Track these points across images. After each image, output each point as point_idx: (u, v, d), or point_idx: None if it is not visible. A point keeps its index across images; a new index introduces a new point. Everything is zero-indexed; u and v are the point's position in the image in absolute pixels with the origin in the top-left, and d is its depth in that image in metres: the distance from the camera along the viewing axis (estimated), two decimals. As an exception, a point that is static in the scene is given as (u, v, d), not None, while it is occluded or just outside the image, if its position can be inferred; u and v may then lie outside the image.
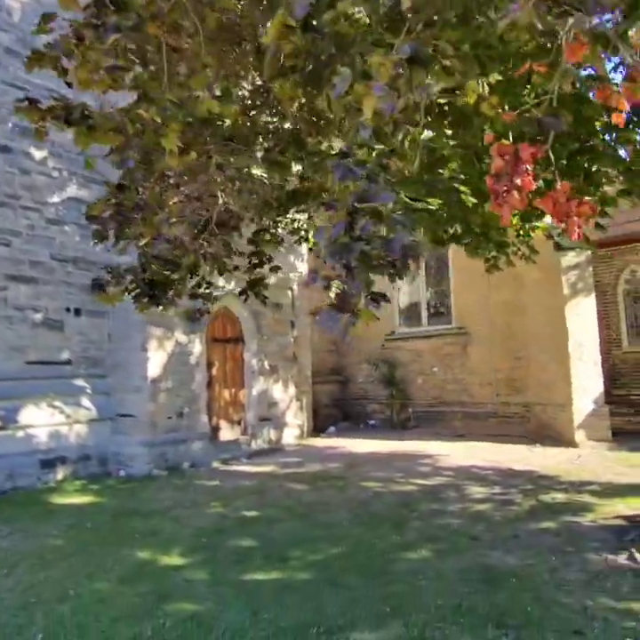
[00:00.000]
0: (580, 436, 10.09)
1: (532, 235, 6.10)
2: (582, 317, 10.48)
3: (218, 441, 9.77)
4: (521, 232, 6.12)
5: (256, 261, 5.28)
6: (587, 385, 10.33)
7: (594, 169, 4.38)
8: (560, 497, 6.46)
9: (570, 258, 10.58)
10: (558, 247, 10.69)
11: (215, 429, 9.81)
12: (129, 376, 8.89)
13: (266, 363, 10.88)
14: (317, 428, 12.88)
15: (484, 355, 12.46)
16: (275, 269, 5.04)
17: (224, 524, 5.78)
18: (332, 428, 12.87)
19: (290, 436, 11.27)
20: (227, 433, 10.03)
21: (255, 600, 3.93)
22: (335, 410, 14.29)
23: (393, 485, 7.31)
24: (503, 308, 12.10)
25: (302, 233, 7.52)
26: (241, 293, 5.48)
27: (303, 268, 12.52)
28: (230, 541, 5.23)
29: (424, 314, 13.82)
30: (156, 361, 8.86)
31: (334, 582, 4.19)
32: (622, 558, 4.37)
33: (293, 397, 11.57)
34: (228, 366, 10.26)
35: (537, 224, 5.79)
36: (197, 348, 9.47)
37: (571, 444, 10.09)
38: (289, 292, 11.87)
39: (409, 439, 11.39)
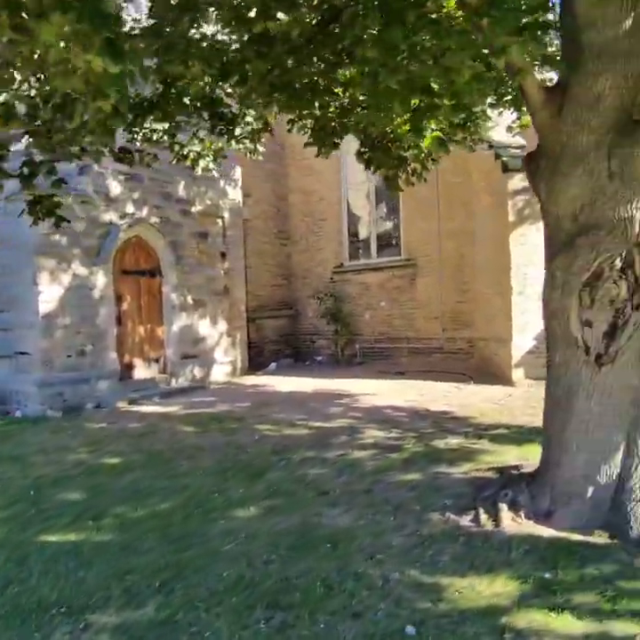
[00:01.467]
0: (517, 373, 9.51)
1: (423, 146, 5.18)
2: (527, 247, 9.61)
3: (131, 380, 9.23)
4: (411, 144, 5.21)
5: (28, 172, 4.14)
6: (528, 320, 9.61)
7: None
8: (455, 442, 5.91)
9: (517, 180, 9.57)
10: (505, 168, 9.69)
11: (128, 367, 9.24)
12: (23, 312, 8.21)
13: (189, 297, 10.17)
14: (258, 365, 12.36)
15: (431, 287, 11.71)
16: (57, 184, 4.13)
17: (70, 473, 5.28)
18: (272, 365, 12.34)
19: (220, 374, 10.75)
20: (142, 371, 9.47)
21: (23, 569, 3.42)
22: (283, 345, 13.73)
23: (287, 429, 6.78)
24: (452, 238, 11.22)
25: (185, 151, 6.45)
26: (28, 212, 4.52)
27: (237, 194, 11.53)
28: (59, 494, 4.72)
29: (373, 245, 12.95)
30: (49, 295, 8.14)
31: (128, 547, 3.67)
32: (466, 519, 3.81)
33: (224, 333, 10.94)
34: (144, 300, 9.55)
35: (425, 134, 4.86)
36: (101, 280, 8.73)
37: (508, 382, 9.53)
38: (219, 221, 10.96)
39: (346, 377, 10.87)
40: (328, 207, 13.41)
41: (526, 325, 9.63)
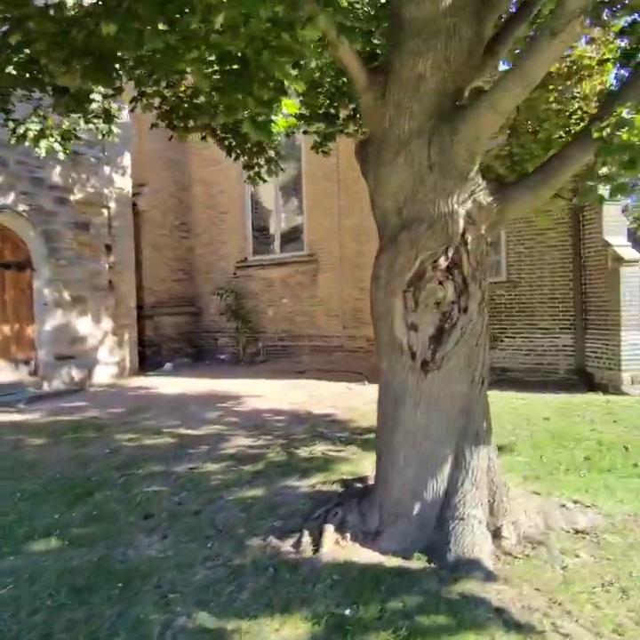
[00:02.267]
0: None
1: (277, 133, 4.75)
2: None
3: (-8, 384, 8.33)
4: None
5: None
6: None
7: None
8: (320, 449, 5.59)
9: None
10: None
11: (-11, 370, 8.34)
12: None
13: (66, 293, 9.33)
14: (153, 365, 11.66)
15: (332, 284, 11.43)
16: None
17: None
18: (168, 365, 11.67)
19: (104, 376, 9.98)
20: (6, 374, 8.58)
21: None
22: (185, 344, 13.06)
23: (149, 438, 6.22)
24: (352, 234, 10.97)
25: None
26: None
27: (126, 183, 10.74)
28: None
29: (277, 239, 12.51)
30: None
31: None
32: (288, 544, 3.44)
33: (109, 332, 10.17)
34: (10, 296, 8.65)
35: (273, 117, 4.44)
36: (-47, 274, 7.79)
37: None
38: (104, 211, 10.15)
39: (241, 377, 10.40)
40: (231, 200, 12.84)
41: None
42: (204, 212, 13.21)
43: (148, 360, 11.69)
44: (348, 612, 2.72)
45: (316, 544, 3.35)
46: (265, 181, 5.58)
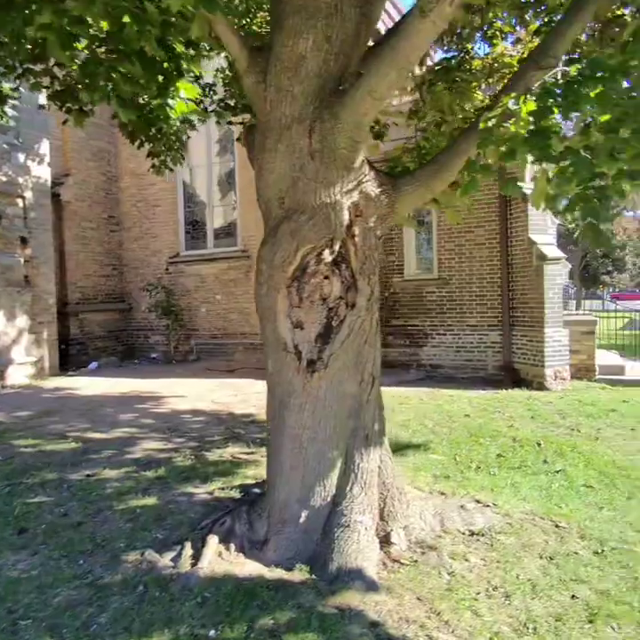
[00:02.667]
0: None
1: (174, 118, 4.48)
2: (352, 240, 9.40)
3: None
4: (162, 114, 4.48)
5: None
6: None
7: None
8: (231, 452, 5.36)
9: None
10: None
11: None
12: None
13: (-26, 288, 8.70)
14: (78, 365, 11.09)
15: (266, 281, 11.15)
16: None
17: None
18: (93, 365, 11.13)
19: (19, 376, 9.38)
20: None
21: None
22: (114, 342, 12.51)
23: (52, 443, 5.81)
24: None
25: None
26: None
27: (44, 172, 10.13)
28: None
29: (210, 234, 12.15)
30: None
31: None
32: (168, 558, 3.20)
33: (25, 330, 9.57)
34: None
35: (169, 101, 4.17)
36: None
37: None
38: (18, 201, 9.53)
39: (169, 376, 10.02)
40: (162, 192, 12.38)
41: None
42: (134, 205, 12.68)
43: (71, 359, 11.12)
44: (212, 633, 2.51)
45: (197, 557, 3.13)
46: (171, 170, 5.27)
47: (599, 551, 3.37)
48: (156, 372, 10.71)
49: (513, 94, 2.89)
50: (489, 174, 2.72)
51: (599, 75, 2.61)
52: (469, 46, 6.41)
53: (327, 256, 3.03)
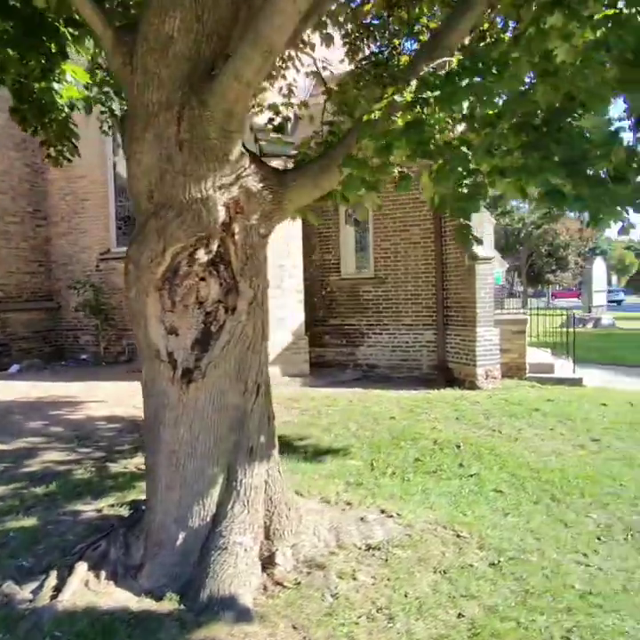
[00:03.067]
0: (274, 370, 9.02)
1: (62, 104, 4.13)
2: (284, 237, 9.17)
3: None
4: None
5: None
6: (286, 315, 9.22)
7: None
8: (137, 463, 5.03)
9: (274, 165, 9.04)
10: (261, 153, 9.10)
11: None
12: None
13: None
14: (-3, 367, 10.43)
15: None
16: None
17: None
18: (14, 367, 10.49)
19: None
20: None
21: None
22: (40, 343, 11.86)
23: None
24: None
25: None
26: None
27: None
28: None
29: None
30: None
31: None
32: (29, 589, 2.89)
33: None
34: None
35: (54, 85, 3.81)
36: None
37: (264, 380, 9.03)
38: None
39: (95, 379, 9.53)
40: (92, 185, 11.80)
41: (284, 320, 9.20)
42: (62, 199, 12.04)
43: (-10, 362, 10.45)
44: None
45: (60, 588, 2.83)
46: (70, 161, 4.89)
47: (495, 562, 3.27)
48: (82, 374, 10.18)
49: (399, 86, 2.72)
50: (365, 170, 2.53)
51: (480, 67, 2.47)
52: (397, 42, 6.30)
53: (202, 256, 2.79)
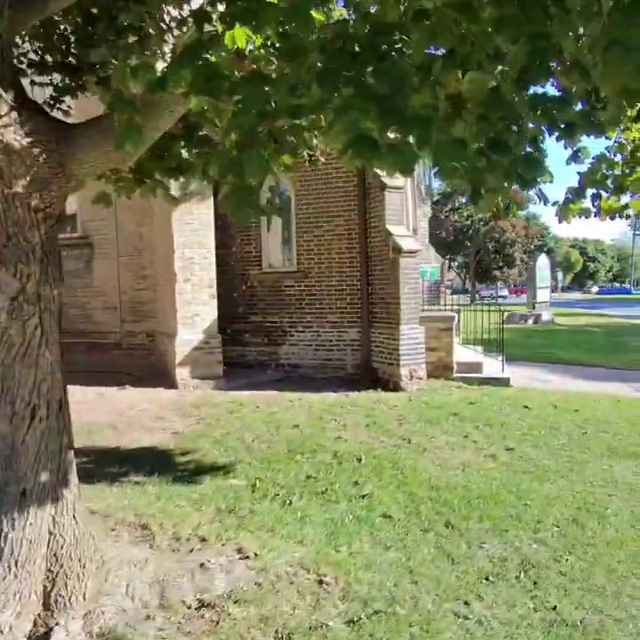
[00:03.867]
0: (183, 373, 8.25)
1: None
2: (195, 227, 8.39)
3: None
4: None
5: None
6: (197, 312, 8.44)
7: None
8: None
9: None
10: (168, 133, 8.29)
11: None
12: None
13: None
14: None
15: (109, 272, 9.88)
16: None
17: None
18: None
19: None
20: None
21: None
22: None
23: None
24: (130, 213, 9.48)
25: None
26: None
27: None
28: None
29: (47, 217, 10.61)
30: None
31: None
32: None
33: None
34: None
35: None
36: None
37: (172, 383, 8.23)
38: None
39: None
40: (-10, 167, 10.64)
41: (195, 317, 8.42)
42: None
43: None
44: None
45: None
46: None
47: (355, 619, 2.65)
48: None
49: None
50: (134, 111, 1.83)
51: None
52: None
53: None
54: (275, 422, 6.22)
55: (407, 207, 11.42)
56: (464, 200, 42.79)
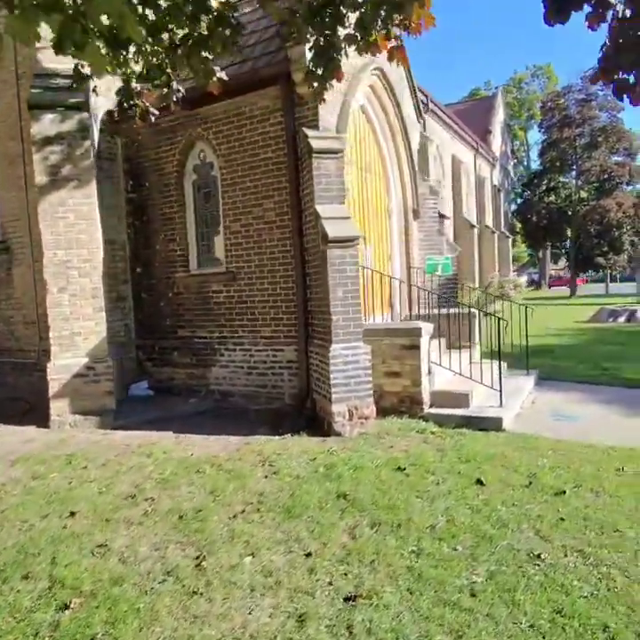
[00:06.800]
0: (59, 407, 6.51)
1: None
2: (71, 221, 6.60)
3: None
4: None
5: None
6: (77, 329, 6.64)
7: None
8: None
9: (48, 123, 6.49)
10: (31, 104, 6.58)
11: None
12: None
13: None
14: None
15: (27, 280, 8.45)
16: None
17: None
18: None
19: None
20: None
21: None
22: None
23: None
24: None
25: None
26: None
27: None
28: None
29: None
30: None
31: None
32: None
33: None
34: None
35: None
36: None
37: (44, 420, 6.52)
38: None
39: None
40: None
41: (75, 337, 6.64)
42: None
43: None
44: None
45: None
46: None
47: None
48: None
49: None
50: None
51: None
52: None
53: None
54: (60, 502, 4.19)
55: (391, 180, 8.84)
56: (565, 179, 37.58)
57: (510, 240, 29.64)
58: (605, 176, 33.65)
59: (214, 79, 4.14)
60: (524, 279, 31.40)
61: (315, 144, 6.09)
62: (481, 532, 3.51)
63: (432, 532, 3.53)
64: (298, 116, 6.47)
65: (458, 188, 21.88)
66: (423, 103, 18.22)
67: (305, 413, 6.53)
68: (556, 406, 6.87)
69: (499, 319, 6.51)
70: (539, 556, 3.20)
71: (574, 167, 35.25)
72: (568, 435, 5.63)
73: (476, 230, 22.89)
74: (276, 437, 5.81)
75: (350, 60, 7.31)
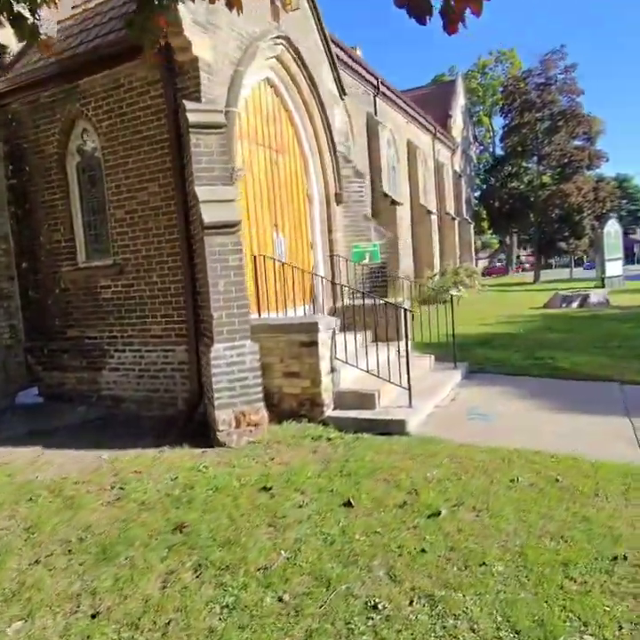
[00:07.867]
0: None
1: None
2: None
3: None
4: None
5: None
6: None
7: None
8: None
9: None
10: None
11: None
12: None
13: None
14: None
15: None
16: None
17: None
18: None
19: None
20: None
21: None
22: None
23: None
24: None
25: None
26: None
27: None
28: None
29: None
30: None
31: None
32: None
33: None
34: None
35: None
36: None
37: None
38: None
39: None
40: None
41: None
42: None
43: None
44: None
45: None
46: None
47: None
48: None
49: None
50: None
51: None
52: None
53: None
54: None
55: (309, 162, 8.17)
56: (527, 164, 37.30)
57: (471, 226, 29.22)
58: (566, 160, 33.48)
59: (40, 38, 3.38)
60: (480, 266, 31.11)
61: (192, 118, 5.37)
62: (322, 572, 2.90)
63: (264, 574, 2.91)
64: (180, 86, 5.73)
65: (414, 174, 21.27)
66: (373, 85, 17.69)
67: (197, 420, 5.88)
68: (476, 403, 6.32)
69: (405, 310, 5.90)
70: (375, 606, 2.60)
71: (536, 152, 35.02)
72: (476, 437, 5.07)
73: (434, 217, 22.37)
74: (152, 450, 5.14)
75: (246, 26, 6.60)
